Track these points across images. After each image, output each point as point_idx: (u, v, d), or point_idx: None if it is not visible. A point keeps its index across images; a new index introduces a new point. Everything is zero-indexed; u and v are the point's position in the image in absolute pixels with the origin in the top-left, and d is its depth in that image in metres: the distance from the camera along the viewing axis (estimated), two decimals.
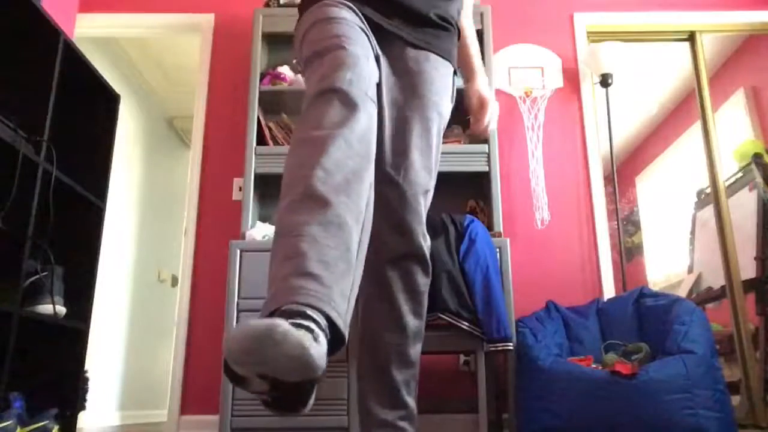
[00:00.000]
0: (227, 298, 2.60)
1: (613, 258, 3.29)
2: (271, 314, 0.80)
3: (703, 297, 4.06)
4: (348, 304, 0.88)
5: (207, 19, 3.59)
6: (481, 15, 3.18)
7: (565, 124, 3.45)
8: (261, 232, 2.85)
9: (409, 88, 1.37)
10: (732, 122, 4.06)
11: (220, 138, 3.40)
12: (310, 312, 0.79)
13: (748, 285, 3.40)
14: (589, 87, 3.52)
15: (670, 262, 4.81)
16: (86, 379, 2.40)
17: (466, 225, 2.55)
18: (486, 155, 3.03)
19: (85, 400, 2.37)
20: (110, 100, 2.63)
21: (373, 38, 1.26)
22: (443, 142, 3.18)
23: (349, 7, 1.25)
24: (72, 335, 2.29)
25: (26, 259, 1.96)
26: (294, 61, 3.22)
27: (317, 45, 1.16)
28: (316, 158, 0.95)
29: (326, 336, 0.78)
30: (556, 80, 3.40)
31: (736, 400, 3.08)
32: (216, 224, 3.25)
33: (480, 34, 3.16)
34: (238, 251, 2.67)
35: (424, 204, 1.38)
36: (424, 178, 1.37)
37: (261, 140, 3.08)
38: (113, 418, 4.25)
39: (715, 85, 3.80)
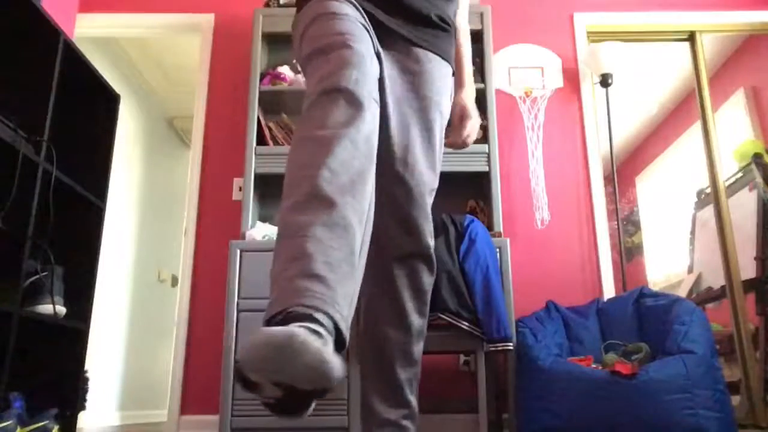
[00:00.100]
0: (227, 298, 2.60)
1: (613, 258, 3.29)
2: (277, 315, 0.80)
3: (703, 297, 4.06)
4: (350, 307, 0.87)
5: (207, 19, 3.59)
6: (481, 15, 3.18)
7: (565, 124, 3.46)
8: (261, 232, 2.85)
9: (410, 87, 1.37)
10: (732, 122, 4.06)
11: (220, 138, 3.40)
12: (317, 315, 0.78)
13: (748, 285, 3.40)
14: (589, 87, 3.53)
15: (670, 262, 4.81)
16: (86, 379, 2.40)
17: (466, 225, 2.55)
18: (486, 155, 3.03)
19: (85, 400, 2.37)
20: (110, 100, 2.63)
21: (373, 35, 1.25)
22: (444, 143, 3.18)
23: (351, 3, 1.24)
24: (72, 335, 2.29)
25: (26, 259, 1.96)
26: (294, 61, 3.22)
27: (320, 41, 1.14)
28: (322, 158, 0.93)
29: (332, 339, 0.78)
30: (556, 80, 3.40)
31: (736, 400, 3.09)
32: (216, 224, 3.25)
33: (480, 34, 3.16)
34: (238, 251, 2.67)
35: (429, 203, 1.38)
36: (429, 177, 1.36)
37: (261, 140, 3.08)
38: (113, 418, 4.25)
39: (715, 85, 3.80)
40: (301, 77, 3.20)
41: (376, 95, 1.09)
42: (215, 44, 3.56)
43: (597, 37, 3.59)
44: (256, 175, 2.98)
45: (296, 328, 0.71)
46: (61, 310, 2.16)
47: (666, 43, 3.79)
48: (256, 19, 3.22)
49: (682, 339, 2.32)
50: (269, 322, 0.81)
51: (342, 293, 0.84)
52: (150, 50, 4.59)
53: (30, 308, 2.04)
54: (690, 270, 4.48)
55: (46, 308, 2.08)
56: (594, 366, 2.42)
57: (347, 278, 0.87)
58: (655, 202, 5.05)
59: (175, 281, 5.24)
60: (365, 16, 1.26)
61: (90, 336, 2.38)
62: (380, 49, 1.28)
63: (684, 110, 4.58)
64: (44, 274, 2.10)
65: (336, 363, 0.70)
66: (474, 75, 3.19)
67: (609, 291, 3.18)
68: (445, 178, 3.00)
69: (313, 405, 0.80)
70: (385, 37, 1.33)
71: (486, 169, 3.01)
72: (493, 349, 2.39)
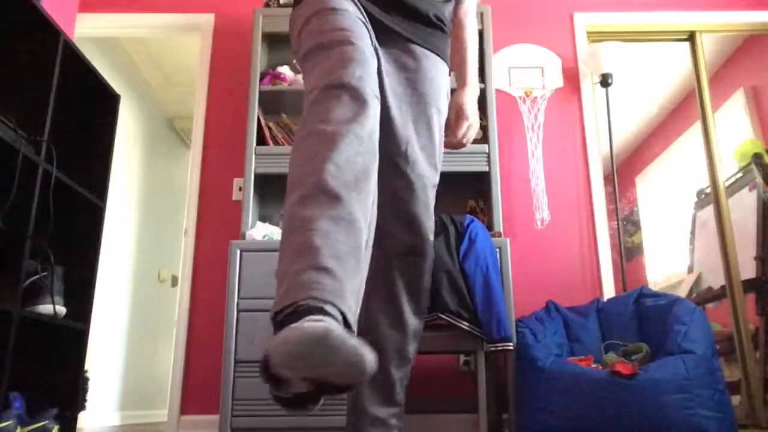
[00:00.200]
0: (227, 298, 2.60)
1: (613, 258, 3.29)
2: (286, 308, 0.79)
3: (703, 297, 4.06)
4: (357, 301, 0.87)
5: (207, 19, 3.59)
6: (481, 15, 3.18)
7: (565, 124, 3.45)
8: (261, 232, 2.85)
9: (407, 84, 1.37)
10: (732, 122, 4.06)
11: (220, 138, 3.40)
12: (327, 308, 0.78)
13: (748, 285, 3.40)
14: (589, 87, 3.52)
15: (670, 262, 4.81)
16: (86, 379, 2.40)
17: (466, 225, 2.55)
18: (486, 155, 3.03)
19: (85, 400, 2.37)
20: (110, 100, 2.63)
21: (371, 31, 1.25)
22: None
23: None
24: (72, 335, 2.29)
25: (26, 258, 1.96)
26: (294, 61, 3.22)
27: (321, 37, 1.14)
28: (327, 153, 0.93)
29: None
30: (556, 80, 3.40)
31: (736, 400, 3.08)
32: (216, 224, 3.25)
33: (480, 34, 3.16)
34: (238, 251, 2.67)
35: (431, 199, 1.38)
36: (429, 172, 1.37)
37: (261, 140, 3.08)
38: (113, 418, 4.25)
39: (715, 85, 3.80)
40: (301, 77, 3.20)
41: (378, 92, 1.09)
42: (215, 44, 3.56)
43: (597, 37, 3.58)
44: (256, 175, 2.98)
45: (331, 324, 0.70)
46: (61, 310, 2.16)
47: (666, 43, 3.79)
48: (256, 19, 3.22)
49: (682, 339, 2.32)
50: (278, 315, 0.81)
51: (350, 287, 0.84)
52: (150, 50, 4.59)
53: (30, 308, 2.04)
54: (690, 270, 4.48)
55: (46, 308, 2.08)
56: (594, 366, 2.42)
57: (354, 272, 0.87)
58: (655, 202, 5.05)
59: (175, 281, 5.24)
60: (363, 12, 1.26)
61: (90, 336, 2.38)
62: (377, 46, 1.29)
63: (684, 110, 4.58)
64: (44, 274, 2.10)
65: (372, 357, 0.69)
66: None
67: (609, 291, 3.18)
68: (445, 178, 2.99)
69: (322, 400, 0.79)
70: (382, 33, 1.33)
71: (486, 169, 3.01)
72: (493, 349, 2.39)
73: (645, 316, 2.61)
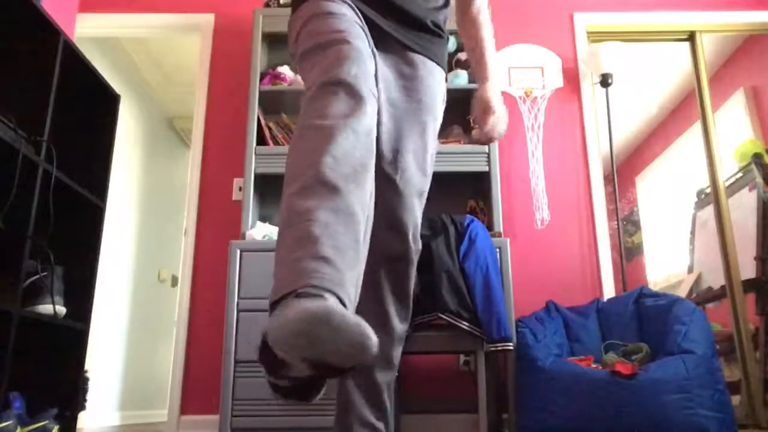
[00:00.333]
0: (227, 298, 2.60)
1: (613, 258, 3.29)
2: (286, 296, 0.78)
3: (703, 297, 4.06)
4: (356, 292, 0.87)
5: (207, 19, 3.59)
6: None
7: (565, 124, 3.45)
8: (261, 232, 2.85)
9: (404, 90, 1.38)
10: (732, 122, 4.06)
11: (220, 138, 3.40)
12: (327, 296, 0.77)
13: (748, 285, 3.40)
14: (589, 87, 3.53)
15: (670, 262, 4.81)
16: (86, 379, 2.40)
17: (466, 225, 2.55)
18: (486, 155, 3.03)
19: (85, 400, 2.37)
20: (110, 100, 2.63)
21: (369, 36, 1.26)
22: (444, 143, 3.20)
23: (347, 4, 1.25)
24: (72, 335, 2.29)
25: (26, 259, 1.96)
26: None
27: (319, 38, 1.15)
28: (325, 146, 0.94)
29: None
30: (556, 80, 3.40)
31: (736, 400, 3.09)
32: (216, 224, 3.25)
33: None
34: (238, 251, 2.67)
35: (419, 206, 1.38)
36: (419, 179, 1.37)
37: (261, 140, 3.08)
38: (113, 418, 4.25)
39: (715, 85, 3.80)
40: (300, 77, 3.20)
41: (375, 91, 1.09)
42: (215, 44, 3.56)
43: (597, 37, 3.58)
44: (256, 175, 2.98)
45: (332, 302, 0.69)
46: (61, 310, 2.16)
47: (666, 43, 3.79)
48: (256, 19, 3.22)
49: (682, 339, 2.32)
50: (277, 304, 0.80)
51: (349, 277, 0.84)
52: (150, 50, 4.59)
53: (30, 308, 2.04)
54: (690, 270, 4.48)
55: (46, 308, 2.08)
56: (594, 366, 2.42)
57: (353, 263, 0.86)
58: (655, 202, 5.06)
59: (175, 281, 5.24)
60: (361, 17, 1.27)
61: (90, 336, 2.38)
62: (375, 51, 1.29)
63: (684, 110, 4.58)
64: (44, 274, 2.10)
65: (374, 335, 0.68)
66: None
67: (609, 291, 3.18)
68: (445, 178, 3.02)
69: (325, 388, 0.78)
70: (380, 40, 1.33)
71: (486, 169, 3.01)
72: (493, 349, 2.39)
73: (645, 316, 2.61)
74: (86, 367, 2.37)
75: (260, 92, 3.11)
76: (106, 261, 3.99)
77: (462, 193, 3.19)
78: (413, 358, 2.82)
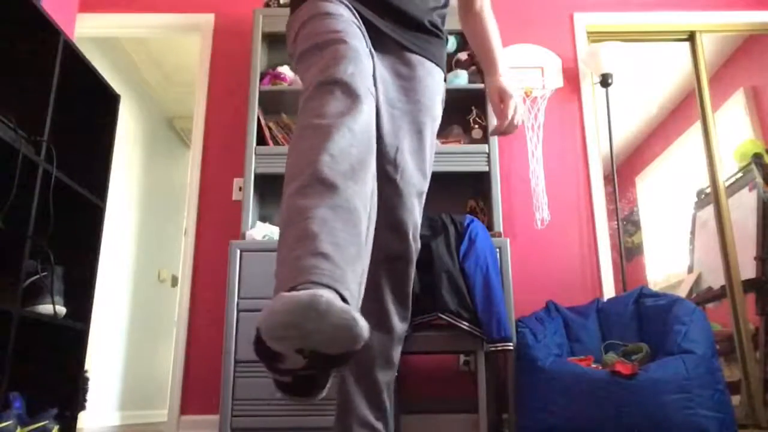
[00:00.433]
0: (227, 298, 2.61)
1: (613, 258, 3.29)
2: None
3: (703, 297, 4.06)
4: (359, 288, 0.87)
5: (207, 19, 3.59)
6: None
7: (565, 124, 3.45)
8: (261, 232, 2.85)
9: (402, 91, 1.38)
10: (732, 122, 4.06)
11: (220, 138, 3.40)
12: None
13: (748, 285, 3.40)
14: (589, 87, 3.53)
15: (670, 262, 4.81)
16: (86, 379, 2.40)
17: (466, 225, 2.55)
18: (486, 155, 3.03)
19: (85, 400, 2.37)
20: (110, 100, 2.63)
21: (367, 36, 1.26)
22: (444, 143, 3.19)
23: (345, 4, 1.26)
24: (72, 335, 2.29)
25: (26, 259, 1.96)
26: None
27: (316, 38, 1.16)
28: (322, 144, 0.94)
29: None
30: (556, 80, 3.40)
31: (736, 400, 3.08)
32: (216, 224, 3.25)
33: None
34: (238, 251, 2.67)
35: (418, 206, 1.38)
36: (418, 180, 1.37)
37: (261, 140, 3.08)
38: (113, 418, 4.25)
39: (715, 85, 3.80)
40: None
41: (372, 89, 1.10)
42: (215, 44, 3.56)
43: (597, 37, 3.58)
44: (256, 175, 2.98)
45: (318, 289, 0.70)
46: (61, 310, 2.16)
47: (666, 43, 3.79)
48: (256, 19, 3.22)
49: (682, 339, 2.32)
50: None
51: (351, 273, 0.84)
52: (150, 50, 4.59)
53: (30, 308, 2.04)
54: (690, 270, 4.48)
55: (46, 308, 2.08)
56: (594, 366, 2.42)
57: (355, 259, 0.86)
58: (655, 202, 5.05)
59: (175, 281, 5.24)
60: (359, 18, 1.27)
61: (90, 336, 2.38)
62: (373, 51, 1.29)
63: (684, 110, 4.58)
64: (44, 274, 2.10)
65: (363, 322, 0.69)
66: (474, 75, 3.19)
67: (609, 291, 3.18)
68: (445, 178, 3.02)
69: (328, 386, 0.78)
70: (378, 40, 1.34)
71: (486, 169, 3.01)
72: (493, 349, 2.39)
73: (645, 316, 2.61)
74: (86, 367, 2.37)
75: (260, 92, 3.11)
76: (106, 261, 3.98)
77: (462, 193, 3.19)
78: (413, 358, 2.82)
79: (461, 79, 3.18)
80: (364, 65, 1.09)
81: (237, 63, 3.46)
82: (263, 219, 3.11)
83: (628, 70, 3.56)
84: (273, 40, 3.38)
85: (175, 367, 3.11)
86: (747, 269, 3.44)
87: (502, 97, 1.47)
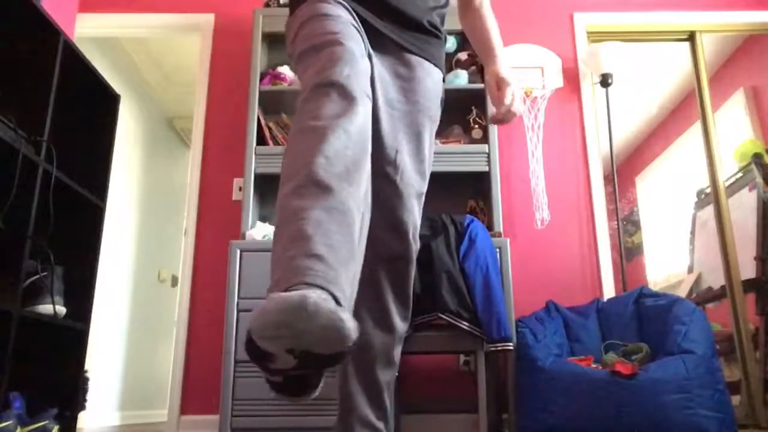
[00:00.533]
0: (227, 298, 2.61)
1: (613, 258, 3.29)
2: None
3: (703, 297, 4.06)
4: (351, 290, 0.88)
5: (207, 19, 3.59)
6: None
7: (565, 124, 3.45)
8: (261, 232, 2.85)
9: (401, 91, 1.38)
10: (732, 122, 4.06)
11: (220, 138, 3.40)
12: (316, 290, 0.78)
13: (748, 285, 3.40)
14: (589, 87, 3.52)
15: (670, 262, 4.81)
16: (86, 379, 2.40)
17: (466, 225, 2.55)
18: (486, 155, 3.03)
19: (85, 400, 2.37)
20: (110, 100, 2.63)
21: (365, 37, 1.27)
22: (444, 143, 3.19)
23: (343, 5, 1.26)
24: (72, 335, 2.29)
25: (26, 259, 1.96)
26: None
27: (313, 40, 1.16)
28: (317, 146, 0.95)
29: None
30: (556, 80, 3.40)
31: (736, 400, 3.08)
32: (216, 224, 3.25)
33: None
34: (238, 251, 2.67)
35: (417, 206, 1.39)
36: (417, 181, 1.38)
37: (261, 140, 3.08)
38: (113, 418, 4.25)
39: (715, 85, 3.80)
40: None
41: (369, 91, 1.11)
42: (215, 44, 3.56)
43: (597, 37, 3.58)
44: (256, 175, 2.98)
45: (307, 290, 0.71)
46: (61, 310, 2.16)
47: (666, 43, 3.79)
48: (256, 19, 3.23)
49: (682, 339, 2.32)
50: None
51: (344, 274, 0.85)
52: (150, 50, 4.59)
53: (30, 308, 2.04)
54: (690, 270, 4.48)
55: (46, 308, 2.08)
56: (594, 366, 2.42)
57: (348, 260, 0.87)
58: (655, 202, 5.05)
59: (175, 281, 5.24)
60: (357, 19, 1.27)
61: (90, 336, 2.38)
62: (372, 52, 1.30)
63: (684, 110, 4.58)
64: (44, 274, 2.10)
65: (351, 323, 0.70)
66: (474, 75, 3.19)
67: (609, 291, 3.18)
68: (445, 178, 3.02)
69: (321, 385, 0.79)
70: (377, 41, 1.34)
71: (486, 169, 3.01)
72: (493, 349, 2.39)
73: (645, 316, 2.61)
74: (86, 367, 2.37)
75: (260, 92, 3.11)
76: (106, 261, 3.98)
77: (462, 193, 3.19)
78: (413, 358, 2.82)
79: (461, 79, 3.18)
80: (360, 67, 1.10)
81: (237, 63, 3.46)
82: (263, 219, 3.11)
83: (628, 70, 3.56)
84: (273, 40, 3.38)
85: (175, 367, 3.11)
86: (747, 269, 3.44)
87: (500, 84, 1.45)
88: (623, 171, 4.93)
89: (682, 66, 3.97)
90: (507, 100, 1.42)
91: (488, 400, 2.48)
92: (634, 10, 3.63)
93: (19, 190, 1.91)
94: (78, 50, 2.34)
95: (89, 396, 2.51)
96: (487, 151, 3.03)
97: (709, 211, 3.68)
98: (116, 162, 2.87)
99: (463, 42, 3.28)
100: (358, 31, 1.23)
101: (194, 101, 3.50)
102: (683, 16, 3.65)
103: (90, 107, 2.56)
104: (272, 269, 0.86)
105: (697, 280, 4.30)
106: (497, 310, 2.40)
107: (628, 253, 4.82)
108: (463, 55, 3.26)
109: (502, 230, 2.93)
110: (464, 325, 2.39)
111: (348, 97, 1.03)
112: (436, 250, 2.47)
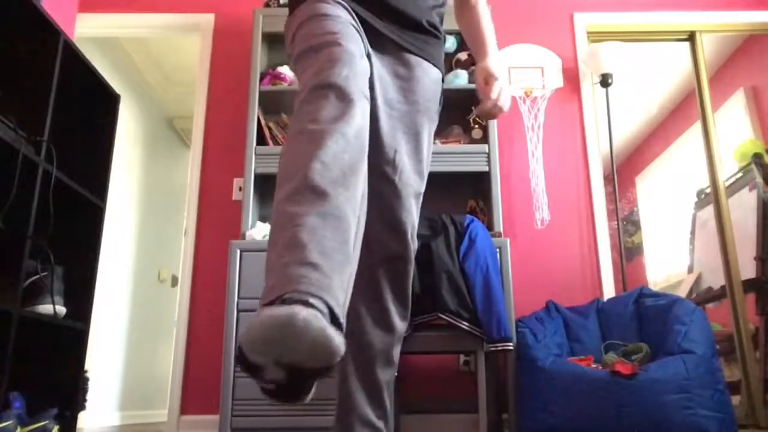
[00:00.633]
0: (227, 298, 2.61)
1: (613, 258, 3.29)
2: (273, 302, 0.80)
3: (703, 297, 4.06)
4: (345, 296, 0.88)
5: (207, 19, 3.59)
6: None
7: (565, 124, 3.45)
8: (261, 232, 2.85)
9: (400, 91, 1.38)
10: (732, 122, 4.06)
11: (220, 138, 3.40)
12: (312, 300, 0.79)
13: (748, 285, 3.40)
14: (589, 87, 3.52)
15: (670, 262, 4.81)
16: (86, 379, 2.40)
17: (466, 225, 2.55)
18: (486, 155, 3.03)
19: (85, 400, 2.37)
20: (110, 100, 2.63)
21: (364, 37, 1.27)
22: (444, 143, 3.19)
23: (342, 5, 1.26)
24: (72, 335, 2.29)
25: (26, 259, 1.96)
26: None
27: (312, 40, 1.16)
28: (314, 151, 0.95)
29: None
30: (556, 80, 3.40)
31: (736, 400, 3.09)
32: (216, 224, 3.25)
33: None
34: (238, 251, 2.67)
35: (416, 206, 1.39)
36: (415, 181, 1.38)
37: (261, 140, 3.08)
38: (113, 418, 4.25)
39: (715, 85, 3.80)
40: None
41: (367, 92, 1.11)
42: (215, 44, 3.56)
43: (597, 37, 3.58)
44: (256, 175, 2.98)
45: (296, 307, 0.72)
46: (61, 310, 2.16)
47: (666, 43, 3.79)
48: (256, 19, 3.23)
49: (682, 339, 2.32)
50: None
51: (338, 281, 0.85)
52: (150, 50, 4.59)
53: (30, 308, 2.04)
54: (690, 270, 4.48)
55: (46, 308, 2.08)
56: (594, 366, 2.42)
57: (342, 267, 0.88)
58: (655, 202, 5.05)
59: (175, 281, 5.24)
60: (356, 18, 1.27)
61: (90, 336, 2.38)
62: (371, 52, 1.30)
63: (684, 110, 4.58)
64: (44, 274, 2.10)
65: (339, 339, 0.71)
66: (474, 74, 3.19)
67: (609, 291, 3.18)
68: (445, 178, 3.02)
69: (314, 390, 0.80)
70: (376, 41, 1.34)
71: (486, 169, 3.01)
72: (493, 349, 2.39)
73: (645, 316, 2.61)
74: (86, 367, 2.37)
75: (260, 92, 3.11)
76: (106, 261, 3.98)
77: (462, 193, 3.19)
78: (413, 358, 2.82)
79: (461, 79, 3.18)
80: (358, 68, 1.10)
81: (237, 63, 3.46)
82: (263, 219, 3.11)
83: (628, 70, 3.56)
84: (273, 40, 3.38)
85: (175, 367, 3.11)
86: (747, 269, 3.44)
87: (488, 79, 1.45)
88: (623, 171, 4.93)
89: (682, 66, 3.97)
90: (493, 95, 1.42)
91: (488, 400, 2.48)
92: (634, 10, 3.63)
93: (19, 190, 1.91)
94: (78, 50, 2.34)
95: (89, 396, 2.51)
96: (487, 151, 3.03)
97: (709, 211, 3.68)
98: (116, 162, 2.88)
99: (462, 42, 3.28)
100: (357, 31, 1.23)
101: (194, 101, 3.50)
102: (683, 16, 3.65)
103: (90, 107, 2.56)
104: (266, 275, 0.87)
105: (697, 280, 4.30)
106: (497, 310, 2.40)
107: (628, 253, 4.82)
108: (463, 55, 3.26)
109: (502, 230, 2.93)
110: (464, 325, 2.39)
111: (346, 99, 1.03)
112: (436, 250, 2.47)
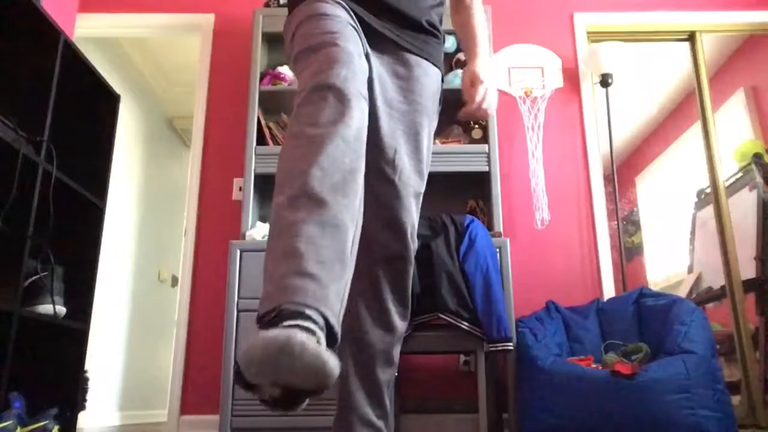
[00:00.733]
0: (227, 298, 2.60)
1: (613, 258, 3.28)
2: (270, 312, 0.81)
3: (703, 297, 4.06)
4: (341, 304, 0.89)
5: (207, 19, 3.59)
6: None
7: (565, 124, 3.45)
8: (261, 232, 2.85)
9: (399, 91, 1.38)
10: (732, 122, 4.06)
11: (220, 138, 3.40)
12: (308, 312, 0.80)
13: (748, 285, 3.40)
14: (589, 87, 3.52)
15: (670, 262, 4.81)
16: (86, 379, 2.40)
17: (466, 225, 2.55)
18: (486, 155, 3.03)
19: (85, 400, 2.37)
20: (110, 100, 2.63)
21: (363, 37, 1.27)
22: (444, 143, 3.19)
23: (341, 5, 1.26)
24: (72, 335, 2.29)
25: (26, 259, 1.96)
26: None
27: (310, 40, 1.16)
28: (314, 156, 0.95)
29: (324, 335, 0.80)
30: (556, 80, 3.40)
31: (736, 400, 3.08)
32: (216, 224, 3.25)
33: None
34: (238, 251, 2.67)
35: (415, 206, 1.39)
36: (415, 181, 1.38)
37: (261, 140, 3.08)
38: (113, 418, 4.25)
39: (715, 85, 3.80)
40: None
41: (365, 92, 1.10)
42: (215, 44, 3.56)
43: (597, 37, 3.58)
44: (256, 175, 2.98)
45: (293, 331, 0.72)
46: (61, 310, 2.16)
47: (666, 43, 3.79)
48: (256, 19, 3.23)
49: (682, 339, 2.32)
50: (262, 318, 0.83)
51: (334, 290, 0.86)
52: (150, 50, 4.59)
53: (30, 308, 2.04)
54: (690, 270, 4.48)
55: (46, 308, 2.08)
56: (594, 366, 2.42)
57: (339, 277, 0.89)
58: (655, 202, 5.05)
59: (175, 281, 5.24)
60: (355, 19, 1.27)
61: (90, 336, 2.38)
62: (370, 51, 1.30)
63: (684, 110, 4.58)
64: (44, 274, 2.10)
65: (333, 362, 0.72)
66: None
67: (609, 291, 3.18)
68: (445, 178, 3.02)
69: (308, 399, 0.80)
70: (375, 40, 1.34)
71: (486, 169, 3.01)
72: (493, 349, 2.39)
73: (645, 316, 2.61)
74: (86, 367, 2.37)
75: (260, 92, 3.11)
76: (106, 261, 3.98)
77: (462, 193, 3.19)
78: (413, 358, 2.82)
79: (461, 79, 3.17)
80: (357, 68, 1.10)
81: (237, 63, 3.46)
82: (263, 219, 3.11)
83: (628, 70, 3.55)
84: (273, 40, 3.38)
85: (175, 367, 3.11)
86: (747, 269, 3.44)
87: (473, 81, 1.45)
88: (623, 171, 4.93)
89: (682, 66, 3.97)
90: (477, 98, 1.42)
91: (488, 400, 2.48)
92: (634, 10, 3.64)
93: (19, 190, 1.91)
94: (78, 50, 2.34)
95: (89, 396, 2.51)
96: (487, 151, 3.03)
97: (709, 211, 3.68)
98: (116, 162, 2.88)
99: None
100: (356, 31, 1.23)
101: (194, 101, 3.50)
102: (683, 16, 3.65)
103: (90, 107, 2.56)
104: (264, 282, 0.88)
105: (697, 280, 4.30)
106: (497, 309, 2.40)
107: (628, 253, 4.82)
108: (462, 55, 3.26)
109: (502, 230, 2.93)
110: (464, 325, 2.39)
111: (344, 101, 1.03)
112: (436, 250, 2.47)
